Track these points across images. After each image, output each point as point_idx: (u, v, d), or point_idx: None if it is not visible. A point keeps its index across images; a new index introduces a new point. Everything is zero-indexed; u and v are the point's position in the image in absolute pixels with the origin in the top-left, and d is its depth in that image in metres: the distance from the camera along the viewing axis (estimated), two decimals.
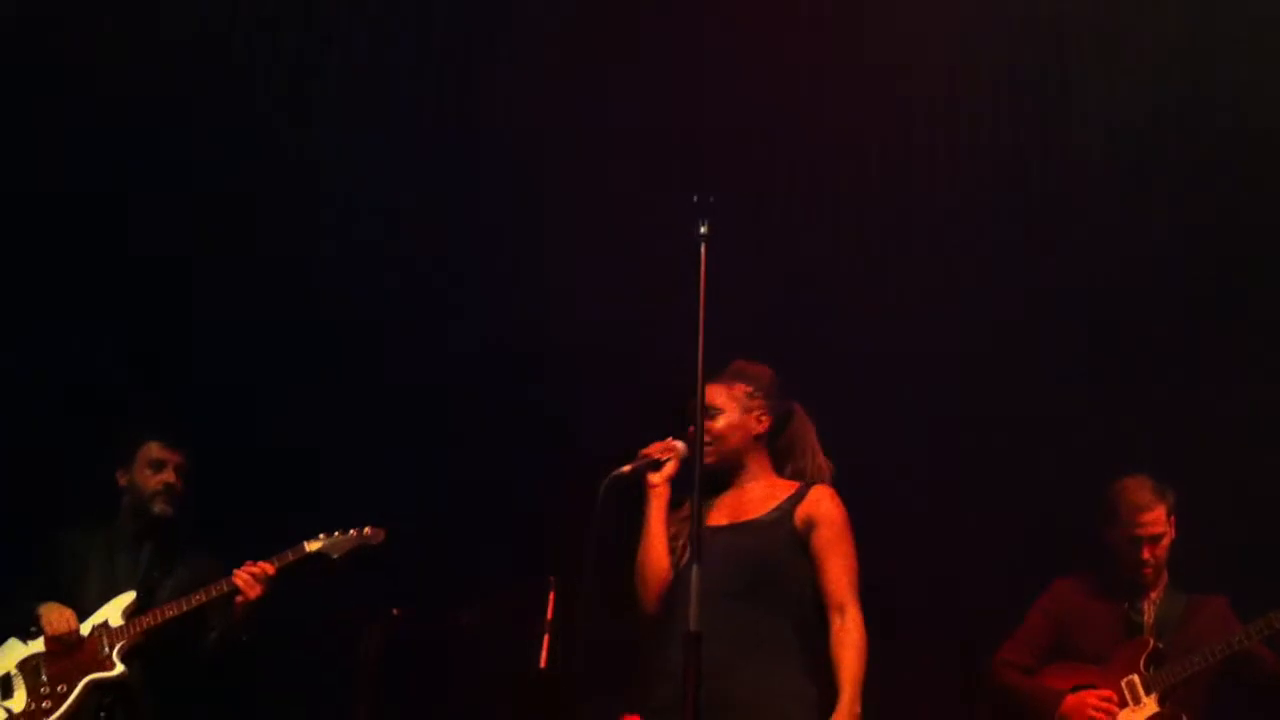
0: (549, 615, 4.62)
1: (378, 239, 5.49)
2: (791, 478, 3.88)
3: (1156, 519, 4.33)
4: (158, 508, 4.55)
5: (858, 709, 3.48)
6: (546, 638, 4.56)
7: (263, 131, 5.24)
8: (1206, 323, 5.15)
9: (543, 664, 4.54)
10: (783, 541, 3.70)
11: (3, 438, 5.22)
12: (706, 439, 3.61)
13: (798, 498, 3.78)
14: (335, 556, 4.44)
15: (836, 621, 3.63)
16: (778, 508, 3.76)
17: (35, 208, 5.21)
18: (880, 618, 5.04)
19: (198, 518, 4.67)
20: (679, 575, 3.65)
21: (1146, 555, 4.33)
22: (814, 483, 3.83)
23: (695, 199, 3.39)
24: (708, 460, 3.61)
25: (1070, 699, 4.26)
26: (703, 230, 3.38)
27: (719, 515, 3.78)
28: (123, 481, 4.63)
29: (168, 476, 4.56)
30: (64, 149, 5.17)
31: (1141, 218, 5.14)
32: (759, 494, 3.82)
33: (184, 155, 5.24)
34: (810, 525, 3.72)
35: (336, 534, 4.44)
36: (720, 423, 3.83)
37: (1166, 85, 5.03)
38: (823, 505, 3.76)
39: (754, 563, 3.66)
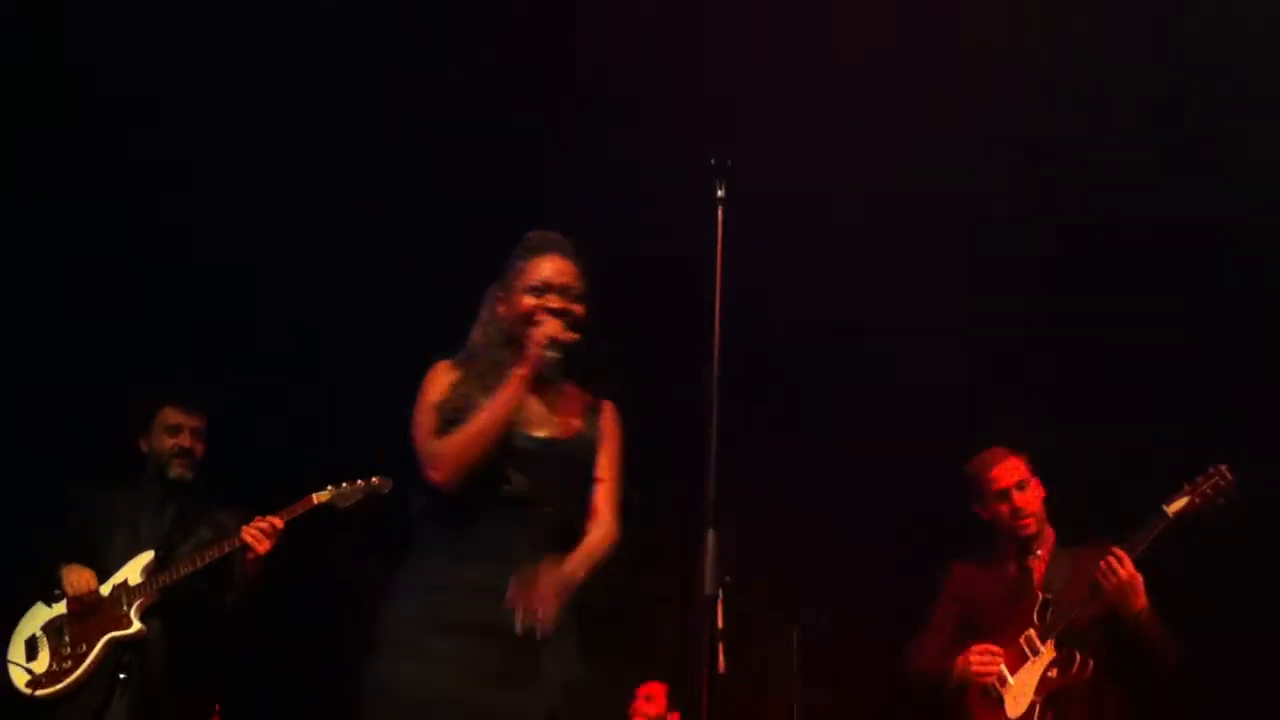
0: None
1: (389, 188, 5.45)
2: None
3: (1014, 467, 4.32)
4: (175, 472, 4.59)
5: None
6: None
7: None
8: None
9: None
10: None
11: (30, 401, 5.28)
12: (570, 322, 3.24)
13: (597, 408, 3.37)
14: (343, 507, 4.46)
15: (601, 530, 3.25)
16: (588, 419, 3.33)
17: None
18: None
19: (218, 474, 4.71)
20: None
21: (1019, 502, 4.28)
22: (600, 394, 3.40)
23: (712, 161, 3.32)
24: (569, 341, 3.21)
25: (958, 664, 4.23)
26: (720, 194, 3.31)
27: (542, 425, 3.26)
28: (144, 448, 4.67)
29: (184, 440, 4.60)
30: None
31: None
32: (571, 399, 3.35)
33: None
34: (603, 439, 3.35)
35: (344, 485, 4.46)
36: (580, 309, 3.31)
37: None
38: (611, 415, 3.39)
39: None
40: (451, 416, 3.16)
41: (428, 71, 5.20)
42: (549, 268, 3.28)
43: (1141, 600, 4.01)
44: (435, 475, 3.10)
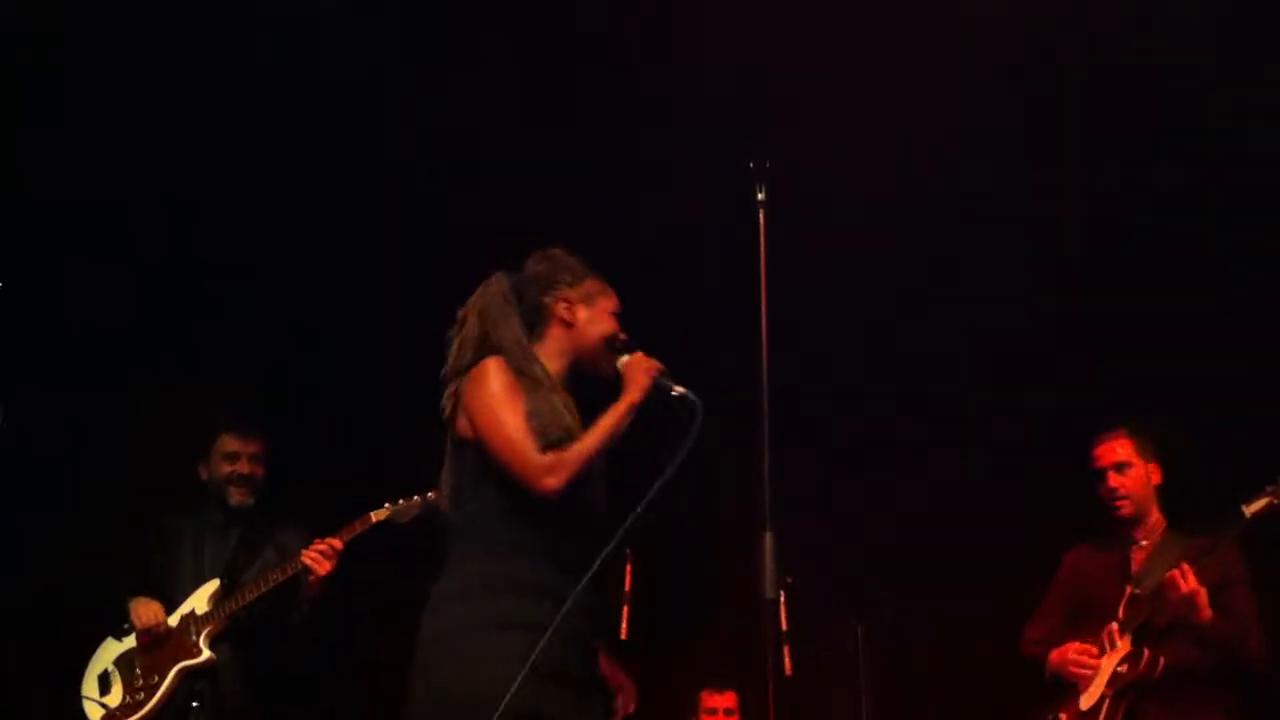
0: (627, 586, 4.66)
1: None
2: None
3: (1113, 447, 4.30)
4: (235, 499, 4.64)
5: None
6: (626, 608, 4.61)
7: None
8: None
9: (624, 634, 4.60)
10: None
11: (93, 433, 5.32)
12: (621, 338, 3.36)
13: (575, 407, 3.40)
14: (402, 523, 4.46)
15: None
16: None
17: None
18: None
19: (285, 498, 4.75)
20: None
21: (1113, 483, 4.26)
22: None
23: (751, 165, 3.30)
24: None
25: (1054, 656, 4.26)
26: (760, 196, 3.30)
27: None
28: (204, 475, 4.73)
29: (242, 467, 4.65)
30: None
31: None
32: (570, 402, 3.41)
33: None
34: None
35: (401, 501, 4.46)
36: None
37: None
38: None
39: None
40: (552, 433, 3.14)
41: (433, 69, 5.18)
42: (615, 294, 3.39)
43: (1204, 614, 3.96)
44: (552, 483, 3.08)
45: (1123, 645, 4.13)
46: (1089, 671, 4.16)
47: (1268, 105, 4.85)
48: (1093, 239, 5.21)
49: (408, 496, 4.46)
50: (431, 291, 5.46)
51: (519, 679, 2.93)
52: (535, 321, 3.34)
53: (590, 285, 3.37)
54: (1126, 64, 4.94)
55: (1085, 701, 4.15)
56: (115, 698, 4.43)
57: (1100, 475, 4.31)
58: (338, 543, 4.39)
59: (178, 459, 4.80)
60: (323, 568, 4.34)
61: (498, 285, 3.36)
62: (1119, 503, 4.28)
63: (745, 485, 3.32)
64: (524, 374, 3.23)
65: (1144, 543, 4.30)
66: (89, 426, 5.31)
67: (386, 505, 4.47)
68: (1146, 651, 4.07)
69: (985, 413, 5.31)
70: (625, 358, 3.27)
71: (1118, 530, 4.35)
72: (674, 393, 3.20)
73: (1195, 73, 4.87)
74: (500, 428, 3.14)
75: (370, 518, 4.45)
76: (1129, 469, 4.29)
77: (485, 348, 3.27)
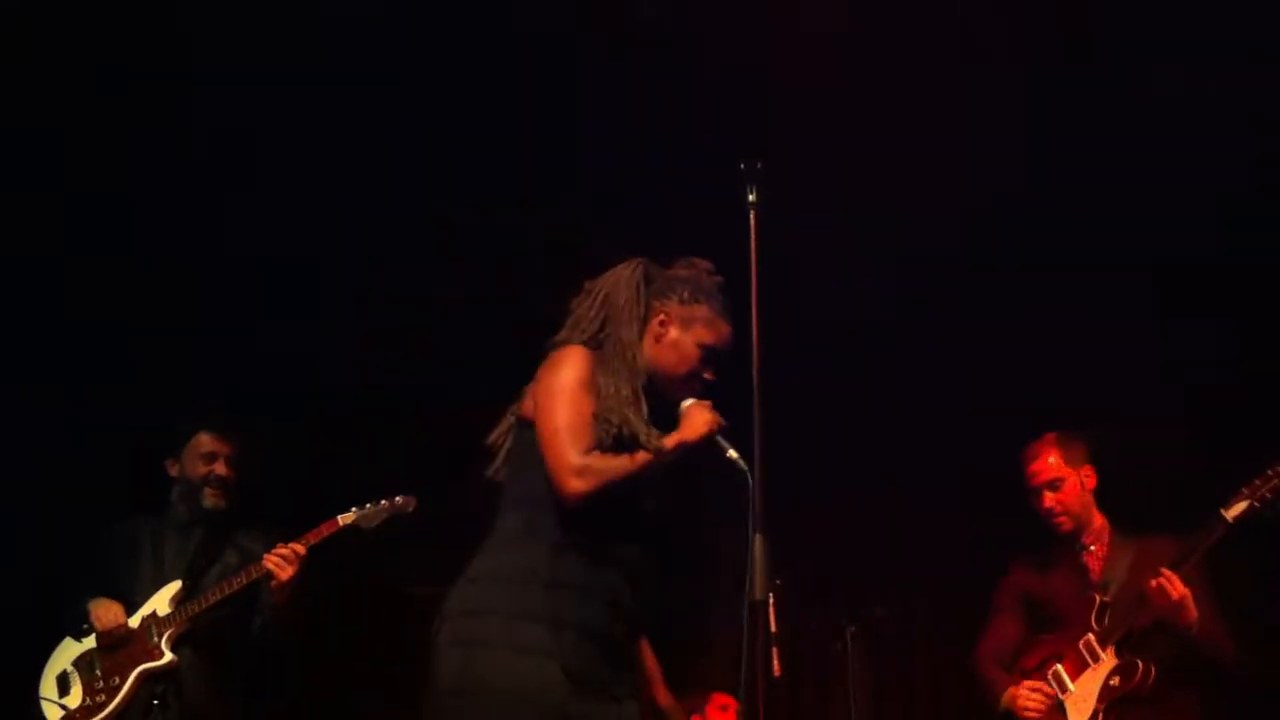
0: None
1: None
2: None
3: (1044, 466, 4.27)
4: (209, 501, 4.51)
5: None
6: None
7: None
8: None
9: None
10: None
11: (57, 432, 5.20)
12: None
13: None
14: (368, 528, 4.36)
15: None
16: None
17: None
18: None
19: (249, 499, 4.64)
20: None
21: (1048, 503, 4.24)
22: None
23: (742, 166, 3.21)
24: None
25: (1007, 693, 4.23)
26: (751, 198, 3.21)
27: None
28: (173, 472, 4.59)
29: (219, 469, 4.52)
30: None
31: None
32: None
33: None
34: None
35: (368, 505, 4.35)
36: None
37: None
38: None
39: None
40: (609, 435, 3.07)
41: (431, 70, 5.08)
42: (726, 334, 3.28)
43: (1191, 614, 3.92)
44: (578, 485, 3.02)
45: (1108, 657, 4.07)
46: (1043, 710, 4.12)
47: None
48: (1093, 239, 5.21)
49: (375, 501, 4.35)
50: (410, 293, 5.45)
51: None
52: (644, 322, 3.29)
53: (699, 310, 3.28)
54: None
55: (1075, 717, 4.09)
56: (75, 699, 4.31)
57: (1035, 493, 4.28)
58: (300, 547, 4.27)
59: (143, 457, 4.67)
60: (285, 572, 4.22)
61: (632, 273, 3.31)
62: (1058, 520, 4.26)
63: (736, 487, 3.22)
64: (607, 377, 3.13)
65: (1093, 547, 4.26)
66: (48, 423, 5.17)
67: (353, 509, 4.35)
68: (1141, 664, 4.02)
69: (980, 413, 5.29)
70: (688, 402, 3.19)
71: (1062, 539, 4.31)
72: (726, 454, 3.11)
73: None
74: (554, 417, 3.08)
75: (337, 521, 4.33)
76: (1062, 484, 4.26)
77: (599, 335, 3.24)
